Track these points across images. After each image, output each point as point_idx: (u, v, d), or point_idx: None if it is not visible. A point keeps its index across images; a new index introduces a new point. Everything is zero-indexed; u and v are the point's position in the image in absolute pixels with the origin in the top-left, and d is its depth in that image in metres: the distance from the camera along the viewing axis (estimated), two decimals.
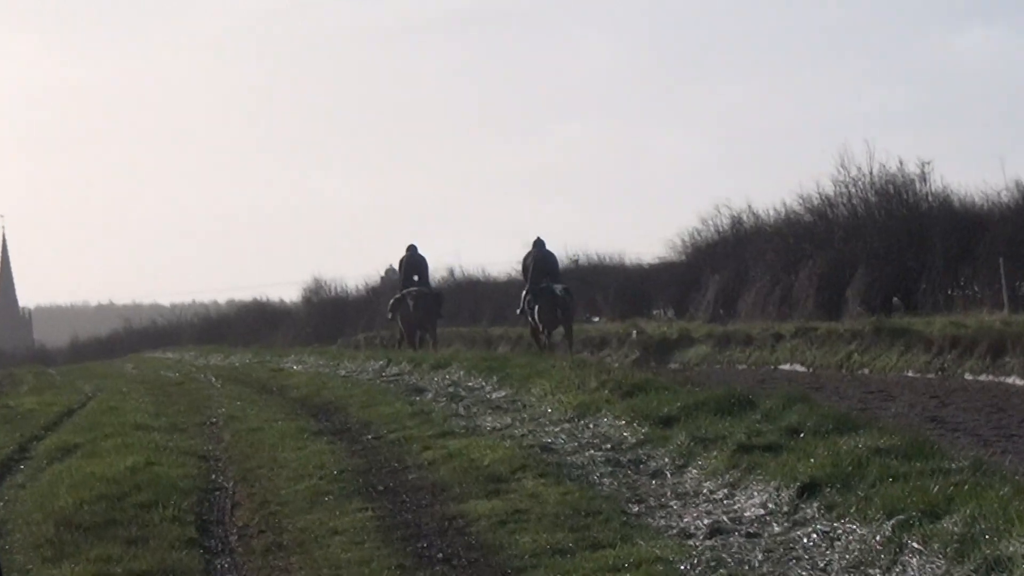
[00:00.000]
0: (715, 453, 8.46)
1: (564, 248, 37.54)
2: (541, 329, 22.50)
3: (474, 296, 41.47)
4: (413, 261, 24.10)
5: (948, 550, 5.65)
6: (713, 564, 6.19)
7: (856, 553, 6.07)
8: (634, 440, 9.58)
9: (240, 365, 27.19)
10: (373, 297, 45.91)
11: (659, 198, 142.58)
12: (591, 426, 10.50)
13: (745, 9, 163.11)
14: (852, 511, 6.49)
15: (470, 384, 14.69)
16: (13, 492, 9.71)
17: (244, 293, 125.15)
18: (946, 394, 15.74)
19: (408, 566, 6.68)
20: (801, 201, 29.49)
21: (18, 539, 7.79)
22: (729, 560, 6.27)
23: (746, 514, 7.17)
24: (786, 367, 22.39)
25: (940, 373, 18.68)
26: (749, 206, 32.22)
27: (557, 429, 10.68)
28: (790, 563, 6.19)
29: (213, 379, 22.19)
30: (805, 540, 6.47)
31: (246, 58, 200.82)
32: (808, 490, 7.04)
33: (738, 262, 30.72)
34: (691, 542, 6.69)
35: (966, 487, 6.35)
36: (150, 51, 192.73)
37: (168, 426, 13.36)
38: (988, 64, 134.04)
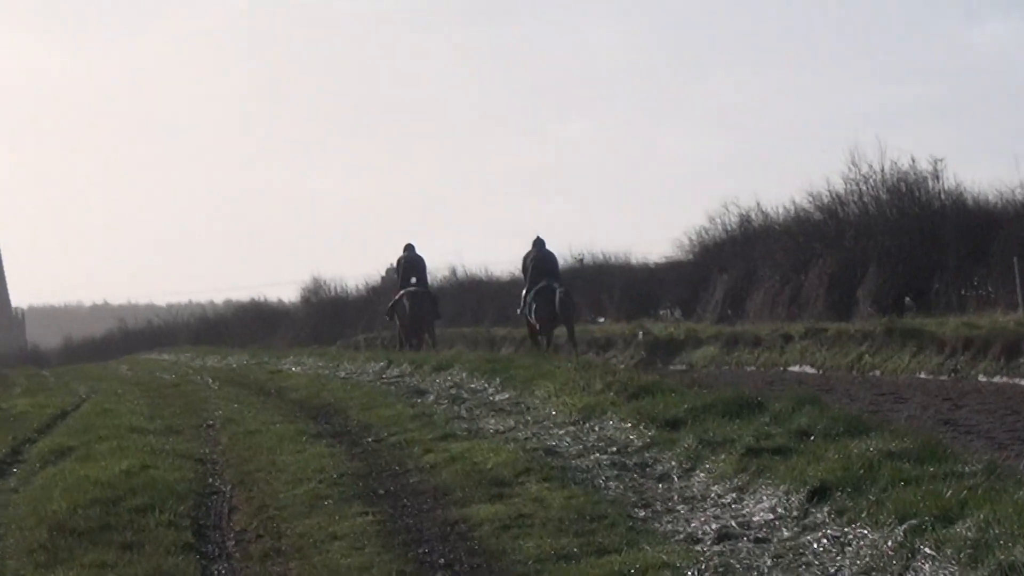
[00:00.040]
0: (723, 456, 8.39)
1: (568, 247, 37.62)
2: (540, 329, 22.42)
3: (477, 296, 41.27)
4: (411, 261, 24.07)
5: (961, 556, 5.59)
6: (721, 570, 6.11)
7: (867, 559, 6.02)
8: (640, 443, 9.51)
9: (238, 366, 27.16)
10: (373, 297, 45.86)
11: (665, 196, 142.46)
12: (596, 429, 10.43)
13: (753, 4, 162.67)
14: (863, 516, 6.43)
15: (473, 386, 14.61)
16: (5, 496, 9.64)
17: (242, 293, 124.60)
18: (959, 396, 15.58)
19: (409, 572, 6.60)
20: (811, 199, 29.25)
21: (11, 544, 7.71)
22: (737, 566, 6.19)
23: (755, 519, 7.11)
24: (795, 369, 22.26)
25: (953, 375, 18.52)
26: (758, 204, 32.05)
27: (561, 432, 10.60)
28: (800, 569, 6.12)
29: (210, 381, 22.14)
30: (815, 545, 6.41)
31: (244, 56, 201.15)
32: (818, 494, 6.98)
33: (746, 261, 30.55)
34: (698, 547, 6.63)
35: (980, 491, 6.29)
36: (145, 49, 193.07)
37: (164, 429, 13.28)
38: (1003, 59, 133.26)
